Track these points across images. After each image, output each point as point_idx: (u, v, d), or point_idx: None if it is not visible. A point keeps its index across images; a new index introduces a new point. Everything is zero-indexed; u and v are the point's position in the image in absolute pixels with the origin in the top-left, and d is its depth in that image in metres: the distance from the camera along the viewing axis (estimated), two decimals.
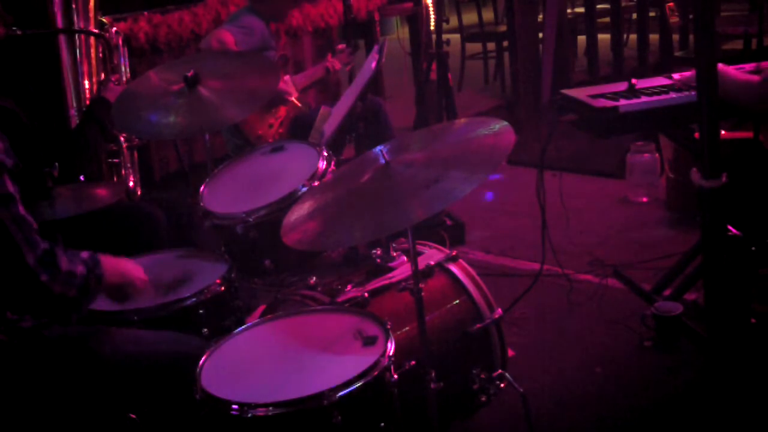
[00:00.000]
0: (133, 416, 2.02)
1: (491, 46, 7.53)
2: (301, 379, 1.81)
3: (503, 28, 7.17)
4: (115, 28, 3.25)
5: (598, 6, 6.85)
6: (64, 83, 3.26)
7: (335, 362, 1.86)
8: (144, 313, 2.13)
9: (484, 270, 3.51)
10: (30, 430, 1.85)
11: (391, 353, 1.86)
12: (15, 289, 1.72)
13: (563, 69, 6.16)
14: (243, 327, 2.08)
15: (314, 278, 2.41)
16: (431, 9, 4.84)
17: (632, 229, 4.07)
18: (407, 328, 2.24)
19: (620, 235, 4.02)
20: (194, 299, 2.18)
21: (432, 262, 2.44)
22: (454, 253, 2.51)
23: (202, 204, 2.52)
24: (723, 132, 2.55)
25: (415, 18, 5.78)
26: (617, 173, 4.73)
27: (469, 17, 8.01)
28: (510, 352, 2.56)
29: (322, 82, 4.57)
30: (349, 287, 2.37)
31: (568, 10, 7.10)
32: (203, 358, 1.92)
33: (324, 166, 2.45)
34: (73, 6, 3.20)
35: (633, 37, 7.03)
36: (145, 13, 4.45)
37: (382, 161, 1.92)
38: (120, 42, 3.19)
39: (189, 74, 2.49)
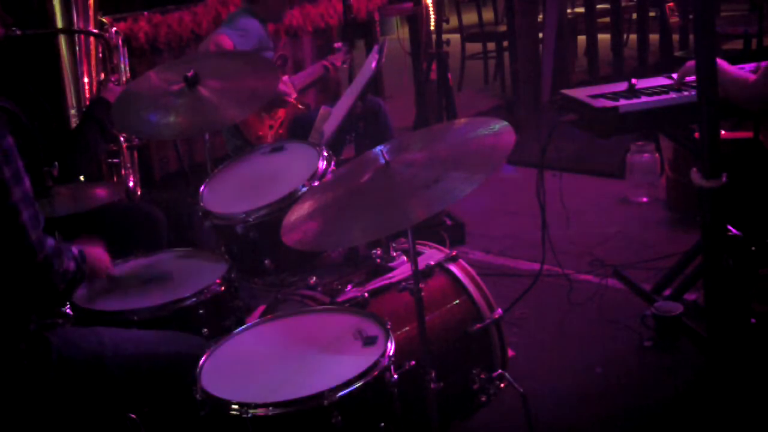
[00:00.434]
0: (133, 416, 2.02)
1: (491, 46, 7.54)
2: (301, 379, 1.81)
3: (503, 28, 7.17)
4: (114, 28, 3.25)
5: (598, 6, 6.86)
6: (63, 83, 3.26)
7: (335, 362, 1.86)
8: (144, 313, 2.13)
9: (484, 270, 3.51)
10: (31, 430, 1.85)
11: (391, 353, 1.86)
12: (18, 274, 1.74)
13: (563, 69, 6.17)
14: (243, 327, 2.08)
15: (314, 278, 2.41)
16: (431, 9, 4.84)
17: (632, 229, 4.07)
18: (407, 328, 2.24)
19: (620, 235, 4.02)
20: (194, 299, 2.18)
21: (432, 262, 2.44)
22: (454, 253, 2.52)
23: (202, 204, 2.51)
24: (723, 132, 2.54)
25: (415, 18, 5.77)
26: (617, 173, 4.73)
27: (469, 17, 8.01)
28: (510, 352, 2.56)
29: (322, 81, 4.56)
30: (349, 287, 2.37)
31: (568, 10, 7.10)
32: (203, 358, 1.93)
33: (324, 166, 2.45)
34: (73, 6, 3.20)
35: (633, 37, 7.04)
36: (145, 13, 4.44)
37: (382, 161, 1.92)
38: (120, 42, 3.18)
39: (189, 74, 2.49)
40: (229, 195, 2.55)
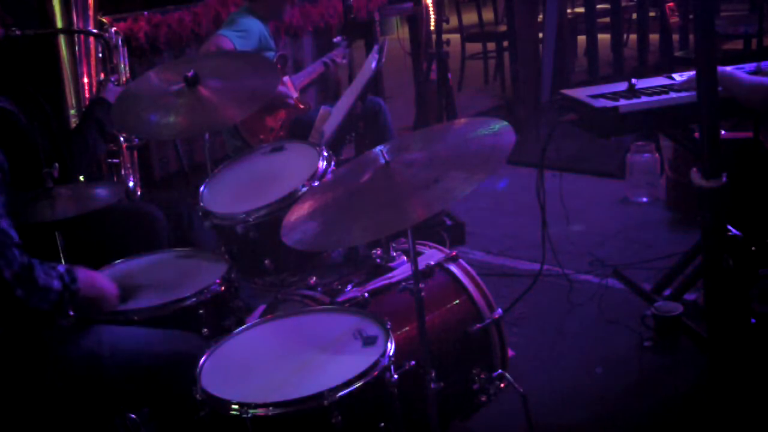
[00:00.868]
0: (133, 416, 2.02)
1: (491, 46, 7.54)
2: (301, 379, 1.81)
3: (503, 28, 7.17)
4: (114, 28, 3.24)
5: (598, 6, 6.85)
6: (63, 84, 3.26)
7: (335, 362, 1.86)
8: (144, 313, 2.13)
9: (484, 270, 3.51)
10: (30, 430, 1.85)
11: (391, 353, 1.86)
12: None
13: (563, 69, 6.17)
14: (243, 327, 2.08)
15: (314, 278, 2.41)
16: (431, 9, 4.83)
17: (632, 229, 4.07)
18: (407, 328, 2.24)
19: (620, 235, 4.02)
20: (194, 299, 2.18)
21: (432, 262, 2.44)
22: (454, 253, 2.52)
23: (202, 204, 2.51)
24: (723, 132, 2.55)
25: (415, 18, 5.77)
26: (617, 173, 4.73)
27: (469, 17, 8.01)
28: (510, 352, 2.56)
29: (324, 78, 4.56)
30: (349, 287, 2.37)
31: (568, 10, 7.10)
32: (203, 358, 1.93)
33: (324, 166, 2.45)
34: (73, 6, 3.20)
35: (633, 37, 7.04)
36: (145, 13, 4.44)
37: (382, 161, 1.92)
38: (119, 42, 3.18)
39: (189, 74, 2.49)
40: (229, 195, 2.55)
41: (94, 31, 3.21)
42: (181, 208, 3.11)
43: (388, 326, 1.95)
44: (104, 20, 3.37)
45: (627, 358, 2.96)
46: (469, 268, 2.50)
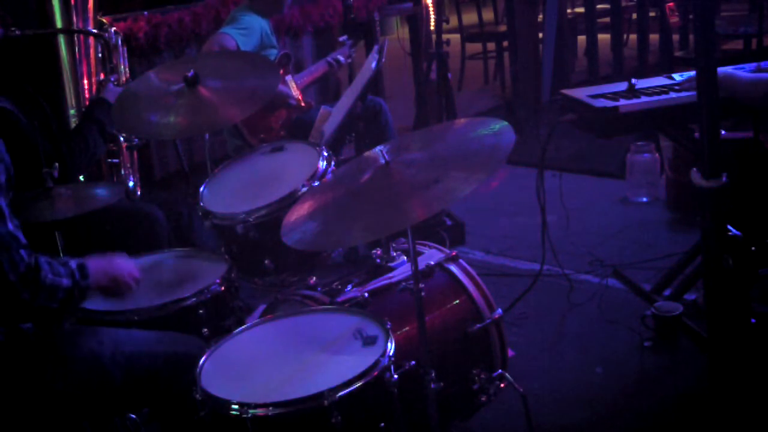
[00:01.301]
0: (134, 416, 2.02)
1: (491, 46, 7.53)
2: (301, 379, 1.81)
3: (503, 28, 7.17)
4: (114, 28, 3.24)
5: (598, 6, 6.86)
6: (63, 84, 3.26)
7: (335, 362, 1.86)
8: (144, 313, 2.13)
9: (484, 270, 3.51)
10: (30, 430, 1.85)
11: (391, 353, 1.86)
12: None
13: (563, 69, 6.17)
14: (243, 327, 2.08)
15: (314, 278, 2.41)
16: (431, 9, 4.83)
17: (632, 229, 4.07)
18: (407, 328, 2.24)
19: (620, 235, 4.02)
20: (194, 299, 2.18)
21: (432, 262, 2.44)
22: (454, 253, 2.51)
23: (202, 204, 2.52)
24: (723, 132, 2.54)
25: (415, 18, 5.77)
26: (617, 173, 4.73)
27: (469, 17, 8.01)
28: (510, 352, 2.56)
29: (325, 78, 4.55)
30: (349, 287, 2.37)
31: (568, 10, 7.11)
32: (203, 358, 1.93)
33: (324, 166, 2.45)
34: (72, 6, 3.20)
35: (633, 37, 7.04)
36: (145, 13, 4.44)
37: (382, 161, 1.92)
38: (119, 42, 3.18)
39: (189, 74, 2.49)
40: (229, 195, 2.55)
41: (94, 31, 3.20)
42: (181, 208, 3.11)
43: (388, 326, 1.95)
44: (104, 20, 3.37)
45: (627, 358, 2.96)
46: (469, 268, 2.50)
